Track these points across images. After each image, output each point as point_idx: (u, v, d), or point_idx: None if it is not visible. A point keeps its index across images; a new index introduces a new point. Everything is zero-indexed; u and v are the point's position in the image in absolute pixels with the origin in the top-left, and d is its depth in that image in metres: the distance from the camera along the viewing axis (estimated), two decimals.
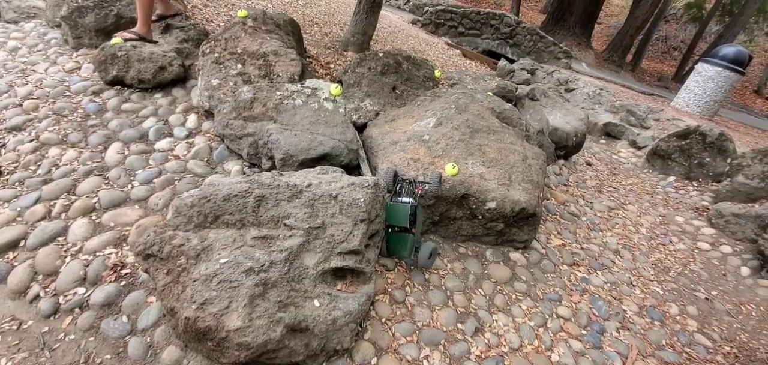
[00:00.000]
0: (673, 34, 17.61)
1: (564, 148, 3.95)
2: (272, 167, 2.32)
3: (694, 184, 4.39)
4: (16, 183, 2.08)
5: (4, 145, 2.33)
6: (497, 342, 1.94)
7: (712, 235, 3.43)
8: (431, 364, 1.74)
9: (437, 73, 3.35)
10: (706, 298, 2.73)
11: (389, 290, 2.00)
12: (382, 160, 2.35)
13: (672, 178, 4.53)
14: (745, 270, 3.04)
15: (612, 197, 3.85)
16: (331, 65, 3.59)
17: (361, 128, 2.80)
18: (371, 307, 1.87)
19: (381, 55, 3.04)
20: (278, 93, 2.38)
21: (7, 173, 2.13)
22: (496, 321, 2.05)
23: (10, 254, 1.75)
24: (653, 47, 16.54)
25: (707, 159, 4.39)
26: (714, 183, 4.29)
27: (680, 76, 13.25)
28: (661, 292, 2.68)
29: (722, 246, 3.31)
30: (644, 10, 12.63)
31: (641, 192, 4.17)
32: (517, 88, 4.61)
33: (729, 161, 4.25)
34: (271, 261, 1.56)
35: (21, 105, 2.59)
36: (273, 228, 1.71)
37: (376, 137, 2.51)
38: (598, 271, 2.69)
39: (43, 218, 1.91)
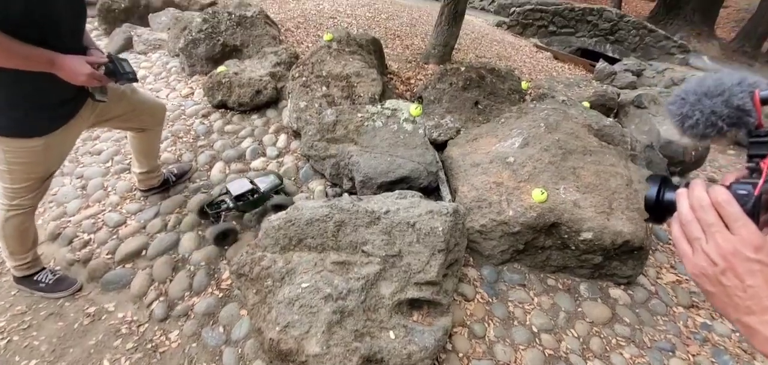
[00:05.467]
0: None
1: (680, 164, 3.40)
2: (352, 188, 2.38)
3: None
4: (141, 198, 2.43)
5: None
6: None
7: None
8: None
9: (524, 85, 3.13)
10: None
11: (468, 322, 1.90)
12: (462, 182, 2.25)
13: None
14: None
15: None
16: (412, 80, 3.58)
17: (441, 146, 2.73)
18: (448, 340, 1.79)
19: (463, 69, 2.94)
20: (359, 115, 2.43)
21: (134, 189, 2.50)
22: None
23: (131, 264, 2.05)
24: None
25: None
26: None
27: None
28: None
29: None
30: None
31: None
32: (619, 94, 4.12)
33: None
34: (349, 289, 1.58)
35: None
36: (351, 254, 1.73)
37: (456, 157, 2.42)
38: (724, 317, 2.24)
39: (160, 231, 2.20)
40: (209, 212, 2.13)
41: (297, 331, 1.49)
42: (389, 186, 2.19)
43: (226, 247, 2.12)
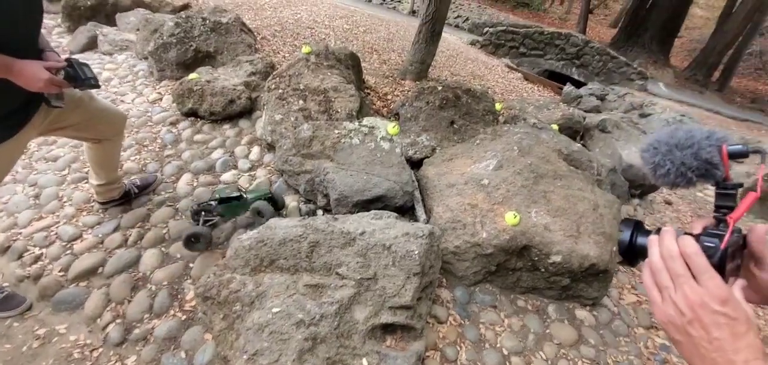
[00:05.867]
0: None
1: (640, 187, 3.58)
2: (327, 204, 2.34)
3: None
4: (100, 210, 2.28)
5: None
6: None
7: None
8: None
9: (498, 106, 3.20)
10: None
11: (440, 346, 1.89)
12: (437, 203, 2.27)
13: None
14: None
15: None
16: (389, 96, 3.59)
17: (417, 164, 2.74)
18: (421, 364, 1.78)
19: (440, 88, 2.98)
20: (336, 131, 2.41)
21: (92, 201, 2.34)
22: None
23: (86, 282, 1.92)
24: (745, 63, 14.65)
25: None
26: None
27: None
28: None
29: None
30: (736, 23, 11.33)
31: None
32: (585, 118, 4.30)
33: None
34: (322, 314, 1.54)
35: None
36: (325, 276, 1.69)
37: (432, 177, 2.44)
38: None
39: (120, 247, 2.07)
40: (194, 213, 2.11)
41: (266, 360, 1.43)
42: (365, 205, 2.17)
43: (195, 255, 2.05)
